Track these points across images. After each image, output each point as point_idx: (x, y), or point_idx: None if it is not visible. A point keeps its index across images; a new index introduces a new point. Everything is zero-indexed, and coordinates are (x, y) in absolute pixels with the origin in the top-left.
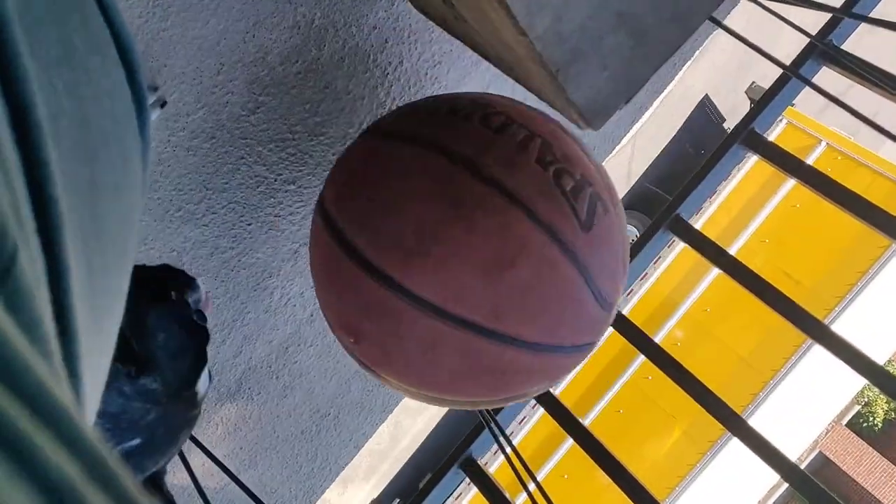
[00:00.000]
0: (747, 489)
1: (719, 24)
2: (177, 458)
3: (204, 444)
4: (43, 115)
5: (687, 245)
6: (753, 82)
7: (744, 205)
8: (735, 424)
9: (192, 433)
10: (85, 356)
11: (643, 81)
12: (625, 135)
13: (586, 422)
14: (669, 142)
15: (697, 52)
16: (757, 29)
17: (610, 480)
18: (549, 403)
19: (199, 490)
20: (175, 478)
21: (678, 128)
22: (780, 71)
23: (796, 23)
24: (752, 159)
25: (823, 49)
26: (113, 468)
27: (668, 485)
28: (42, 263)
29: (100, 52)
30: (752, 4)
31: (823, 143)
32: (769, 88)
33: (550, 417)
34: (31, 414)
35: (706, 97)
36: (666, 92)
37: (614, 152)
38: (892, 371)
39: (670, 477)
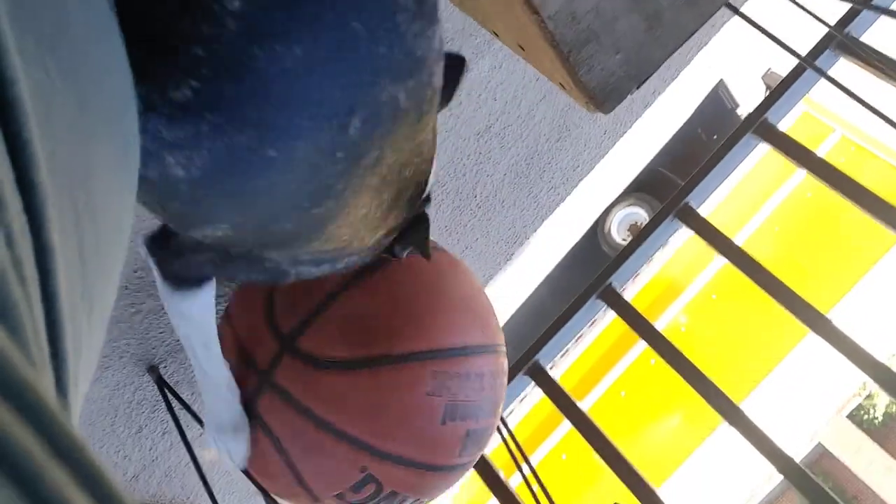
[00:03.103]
0: (746, 476)
1: (735, 11)
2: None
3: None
4: (26, 92)
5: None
6: (770, 69)
7: (755, 191)
8: (733, 415)
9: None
10: (71, 339)
11: (656, 65)
12: (636, 119)
13: (588, 403)
14: (682, 125)
15: (713, 38)
16: (774, 17)
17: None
18: (548, 386)
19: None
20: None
21: (692, 111)
22: (797, 61)
23: (816, 12)
24: (762, 148)
25: (841, 40)
26: (75, 441)
27: (667, 469)
28: (29, 245)
29: (101, 30)
30: None
31: (838, 132)
32: (784, 79)
33: (549, 400)
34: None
35: (721, 82)
36: (680, 76)
37: (625, 136)
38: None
39: (670, 461)
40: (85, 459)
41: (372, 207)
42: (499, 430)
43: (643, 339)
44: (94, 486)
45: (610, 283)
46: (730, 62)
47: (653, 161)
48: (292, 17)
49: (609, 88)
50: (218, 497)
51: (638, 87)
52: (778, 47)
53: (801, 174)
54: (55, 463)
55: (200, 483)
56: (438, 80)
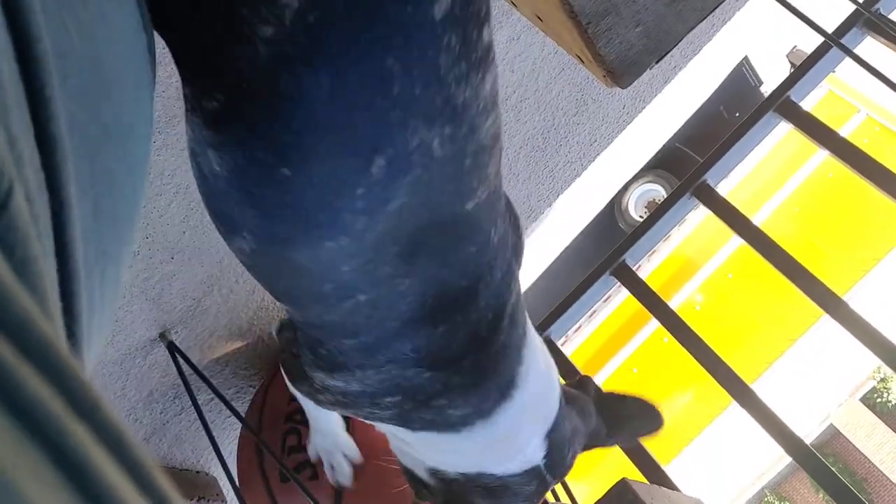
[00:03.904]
0: (756, 456)
1: None
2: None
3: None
4: (48, 50)
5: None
6: (795, 46)
7: (776, 171)
8: (743, 396)
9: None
10: (85, 296)
11: (676, 40)
12: (656, 95)
13: (600, 378)
14: (704, 102)
15: (737, 13)
16: None
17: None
18: (559, 362)
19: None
20: None
21: (714, 88)
22: (822, 39)
23: None
24: (785, 127)
25: (869, 18)
26: (96, 399)
27: (677, 446)
28: (45, 201)
29: None
30: None
31: (863, 113)
32: (808, 56)
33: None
34: (13, 345)
35: (745, 58)
36: (702, 51)
37: (644, 111)
38: None
39: (680, 439)
40: (106, 418)
41: (395, 268)
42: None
43: (655, 316)
44: (114, 443)
45: (623, 260)
46: (754, 38)
47: (673, 138)
48: (321, 47)
49: (628, 62)
50: (228, 461)
51: (657, 62)
52: (804, 25)
53: (824, 154)
54: (77, 420)
55: (210, 447)
56: (486, 133)
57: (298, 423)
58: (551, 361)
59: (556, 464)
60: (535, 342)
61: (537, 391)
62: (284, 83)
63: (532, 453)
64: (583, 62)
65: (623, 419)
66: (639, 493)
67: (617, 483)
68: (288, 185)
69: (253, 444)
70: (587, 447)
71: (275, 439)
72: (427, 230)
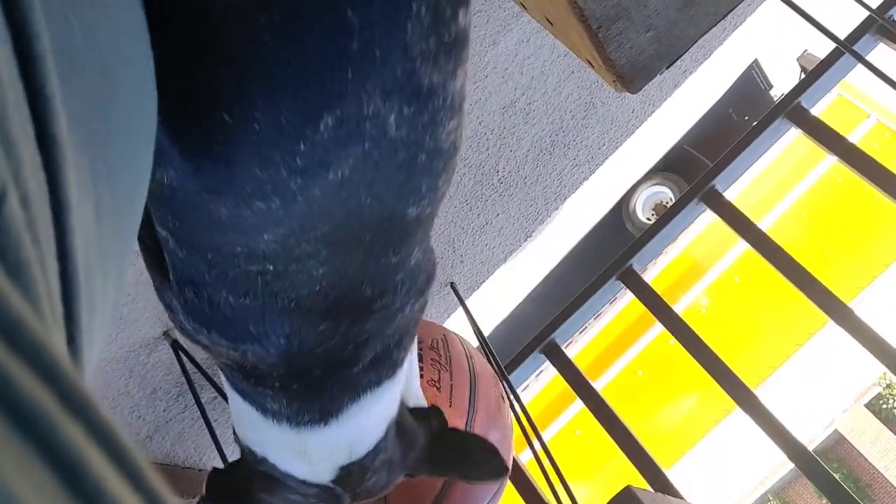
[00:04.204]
0: (759, 462)
1: None
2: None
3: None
4: (48, 48)
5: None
6: (806, 50)
7: (784, 175)
8: (747, 401)
9: None
10: (86, 298)
11: (688, 45)
12: (666, 99)
13: (604, 381)
14: (713, 105)
15: (748, 17)
16: None
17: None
18: (562, 365)
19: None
20: None
21: (724, 91)
22: (834, 45)
23: None
24: (794, 132)
25: (882, 24)
26: (88, 399)
27: (679, 450)
28: (46, 202)
29: None
30: None
31: (873, 118)
32: (820, 63)
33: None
34: (5, 344)
35: (755, 62)
36: (713, 55)
37: (653, 115)
38: None
39: (682, 443)
40: (98, 417)
41: (318, 259)
42: (511, 405)
43: (660, 321)
44: (107, 442)
45: (630, 265)
46: (764, 42)
47: (681, 140)
48: None
49: (638, 67)
50: (230, 459)
51: (668, 67)
52: (813, 30)
53: (831, 160)
54: (69, 419)
55: (213, 445)
56: (445, 137)
57: None
58: (396, 411)
59: (349, 487)
60: (391, 393)
61: (354, 433)
62: (232, 21)
63: (320, 475)
64: (593, 66)
65: (457, 460)
66: (643, 502)
67: (621, 491)
68: (225, 131)
69: None
70: (408, 475)
71: None
72: (361, 220)
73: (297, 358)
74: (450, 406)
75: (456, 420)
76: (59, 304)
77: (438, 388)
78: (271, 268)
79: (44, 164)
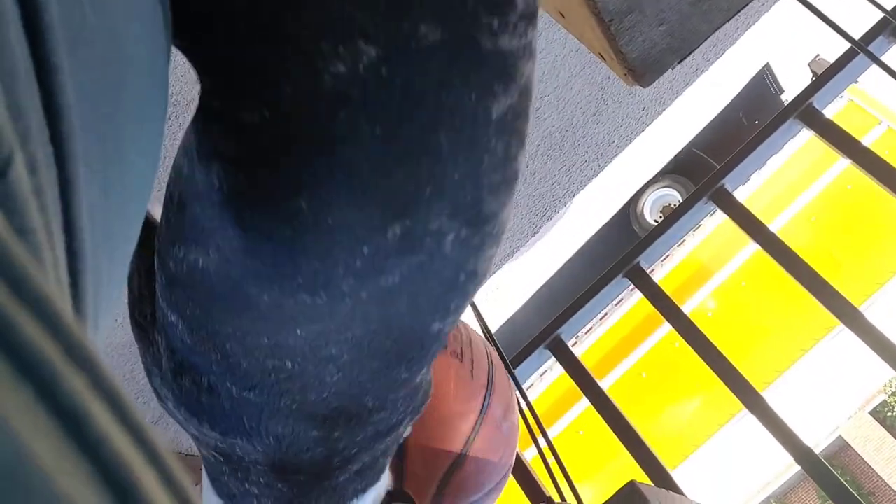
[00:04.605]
0: (761, 467)
1: None
2: None
3: None
4: (55, 19)
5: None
6: (818, 55)
7: (794, 180)
8: (753, 401)
9: None
10: (91, 274)
11: (700, 40)
12: (677, 97)
13: (608, 381)
14: (724, 108)
15: (761, 17)
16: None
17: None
18: (568, 361)
19: None
20: None
21: (734, 94)
22: (847, 46)
23: None
24: (805, 135)
25: None
26: (92, 354)
27: (681, 454)
28: (54, 176)
29: None
30: None
31: (884, 124)
32: (833, 63)
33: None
34: (11, 293)
35: (766, 65)
36: (725, 60)
37: (664, 114)
38: None
39: (685, 446)
40: (101, 372)
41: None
42: (517, 404)
43: (667, 320)
44: (110, 396)
45: (637, 262)
46: (777, 45)
47: (691, 143)
48: (384, 101)
49: (650, 60)
50: None
51: (680, 62)
52: (827, 33)
53: (843, 164)
54: (73, 370)
55: None
56: (484, 261)
57: None
58: None
59: None
60: (375, 492)
61: None
62: (340, 122)
63: None
64: (605, 60)
65: None
66: (647, 496)
67: (625, 485)
68: (298, 218)
69: None
70: None
71: None
72: (390, 328)
73: (284, 461)
74: (472, 378)
75: (476, 395)
76: (65, 276)
77: (461, 360)
78: (290, 365)
79: (51, 136)
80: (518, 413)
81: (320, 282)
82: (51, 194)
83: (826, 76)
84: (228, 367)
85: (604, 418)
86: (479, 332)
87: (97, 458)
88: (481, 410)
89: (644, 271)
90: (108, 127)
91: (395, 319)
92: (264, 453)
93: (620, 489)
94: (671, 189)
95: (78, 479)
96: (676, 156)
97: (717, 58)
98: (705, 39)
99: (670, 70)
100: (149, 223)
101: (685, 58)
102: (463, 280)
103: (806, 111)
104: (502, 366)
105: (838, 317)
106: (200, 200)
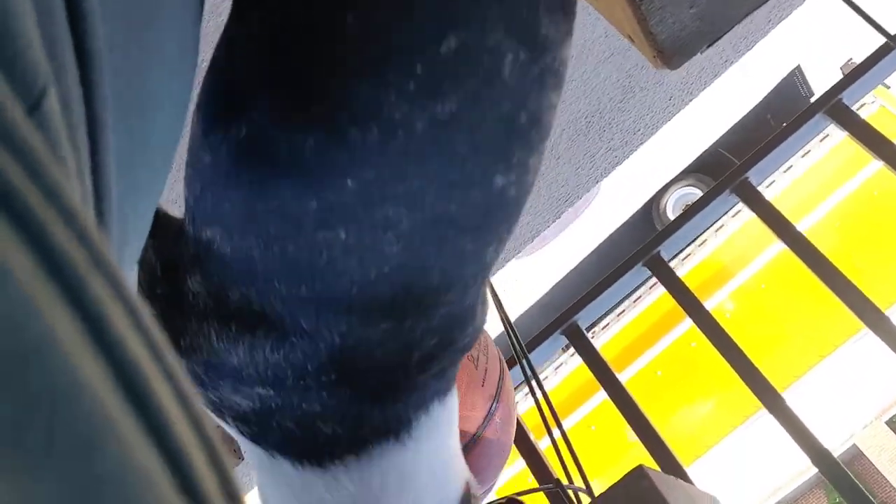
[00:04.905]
0: (772, 471)
1: None
2: None
3: None
4: None
5: (753, 214)
6: (850, 58)
7: (818, 185)
8: (771, 400)
9: None
10: (116, 218)
11: (731, 25)
12: (704, 88)
13: (623, 378)
14: (752, 109)
15: (794, 10)
16: None
17: (635, 439)
18: (584, 349)
19: None
20: None
21: (764, 94)
22: (880, 43)
23: None
24: (833, 138)
25: None
26: (115, 268)
27: (695, 453)
28: (83, 116)
29: None
30: None
31: None
32: (866, 58)
33: (584, 368)
34: (45, 201)
35: (797, 68)
36: (755, 53)
37: (691, 104)
38: None
39: (696, 447)
40: (124, 288)
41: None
42: (532, 392)
43: (686, 312)
44: (131, 309)
45: (658, 252)
46: (808, 46)
47: (717, 143)
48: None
49: (679, 43)
50: None
51: (709, 46)
52: (860, 36)
53: (870, 170)
54: (98, 279)
55: None
56: (548, 112)
57: None
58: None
59: None
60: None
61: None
62: (416, 130)
63: None
64: (633, 42)
65: None
66: (654, 481)
67: (634, 468)
68: (342, 30)
69: None
70: None
71: None
72: (451, 176)
73: (351, 367)
74: (482, 386)
75: (482, 403)
76: (92, 212)
77: (476, 365)
78: (343, 236)
79: (81, 77)
80: (514, 425)
81: (371, 110)
82: (81, 132)
83: (857, 72)
84: (274, 259)
85: (616, 406)
86: (499, 320)
87: (113, 358)
88: (484, 420)
89: (664, 261)
90: (136, 74)
91: (453, 163)
92: (335, 350)
93: (629, 472)
94: (695, 188)
95: (96, 374)
96: (702, 155)
97: (748, 50)
98: (735, 24)
99: (699, 56)
100: (159, 217)
101: (714, 42)
102: (524, 122)
103: (835, 107)
104: (509, 377)
105: (863, 320)
106: (242, 48)
